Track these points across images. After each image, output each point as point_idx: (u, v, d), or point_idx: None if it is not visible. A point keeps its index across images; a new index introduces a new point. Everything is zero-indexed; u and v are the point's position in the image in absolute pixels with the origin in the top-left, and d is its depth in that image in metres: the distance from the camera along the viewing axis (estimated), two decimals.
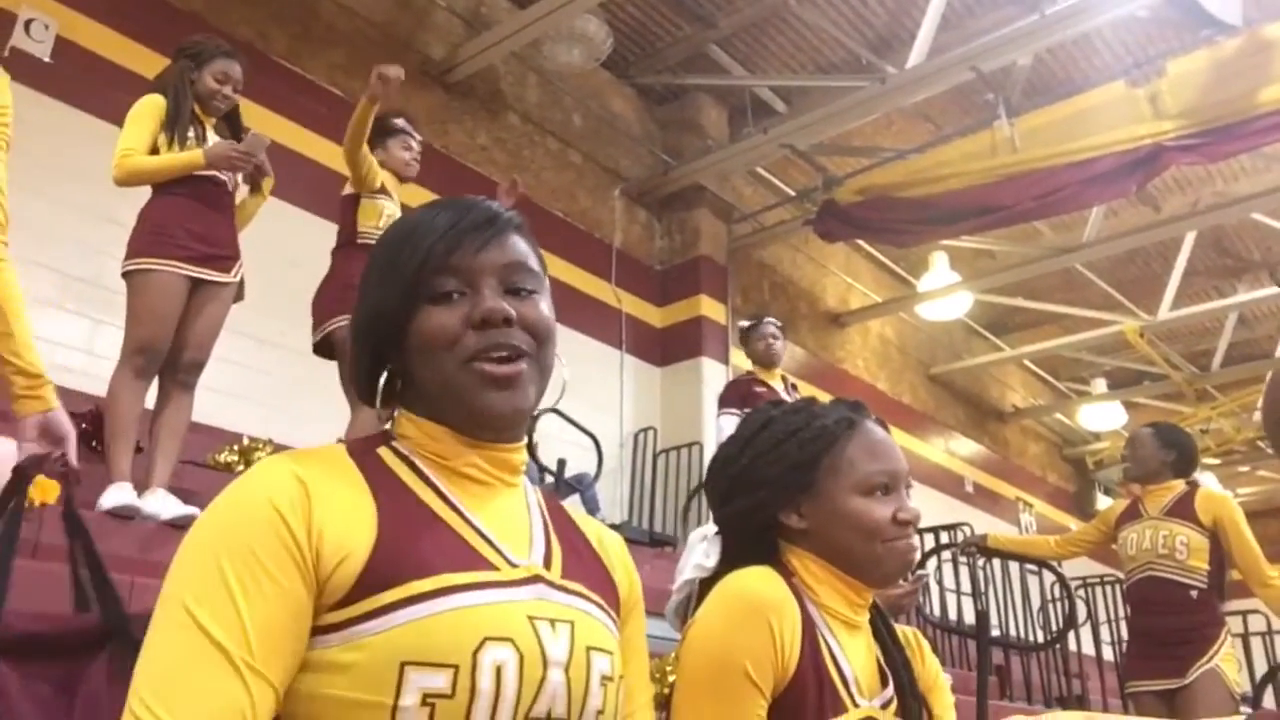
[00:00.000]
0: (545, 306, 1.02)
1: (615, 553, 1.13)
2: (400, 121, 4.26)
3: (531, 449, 6.47)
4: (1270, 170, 8.01)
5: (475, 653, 0.87)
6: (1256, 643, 7.31)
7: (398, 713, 0.84)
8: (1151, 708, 3.60)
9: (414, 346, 0.98)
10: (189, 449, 3.71)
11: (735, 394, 4.83)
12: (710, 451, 7.27)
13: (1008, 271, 9.18)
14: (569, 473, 6.39)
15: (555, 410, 5.73)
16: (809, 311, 9.43)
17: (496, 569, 0.94)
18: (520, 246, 1.03)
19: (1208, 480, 4.05)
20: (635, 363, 7.78)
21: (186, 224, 3.38)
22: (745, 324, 5.01)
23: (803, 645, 1.23)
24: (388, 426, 1.05)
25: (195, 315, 3.40)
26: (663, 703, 2.92)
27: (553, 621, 0.93)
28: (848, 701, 1.23)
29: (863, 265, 10.28)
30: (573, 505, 1.13)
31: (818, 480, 1.33)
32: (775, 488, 1.35)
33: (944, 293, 9.47)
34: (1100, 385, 12.20)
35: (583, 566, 1.04)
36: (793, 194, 8.62)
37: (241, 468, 4.21)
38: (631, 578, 1.14)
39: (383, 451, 1.00)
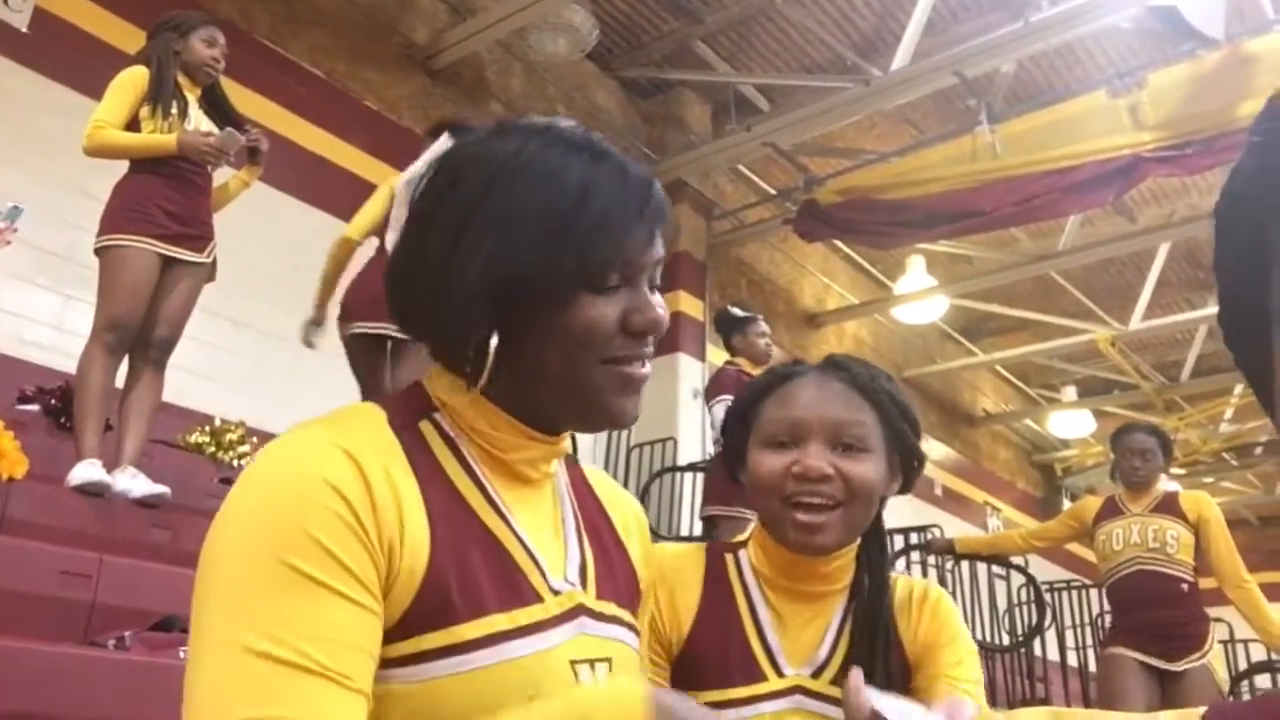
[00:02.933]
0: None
1: (637, 530, 1.05)
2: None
3: None
4: None
5: None
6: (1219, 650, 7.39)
7: None
8: (1135, 672, 3.63)
9: (556, 332, 0.84)
10: (159, 428, 3.68)
11: (729, 382, 4.71)
12: (685, 446, 7.29)
13: (983, 277, 9.24)
14: None
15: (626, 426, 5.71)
16: (785, 310, 9.45)
17: (541, 600, 0.84)
18: (666, 237, 0.92)
19: (1173, 486, 4.09)
20: None
21: (161, 201, 3.35)
22: (740, 313, 4.83)
23: (700, 614, 1.21)
24: (426, 388, 0.91)
25: (167, 293, 3.36)
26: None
27: (593, 663, 0.87)
28: (767, 669, 1.18)
29: (840, 266, 10.32)
30: (590, 469, 1.05)
31: (749, 438, 1.25)
32: (728, 447, 1.30)
33: (920, 296, 9.52)
34: (1070, 393, 12.31)
35: (612, 573, 0.96)
36: (773, 193, 8.63)
37: (212, 449, 4.17)
38: (649, 555, 1.06)
39: (425, 427, 0.87)
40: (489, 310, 0.83)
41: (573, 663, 0.84)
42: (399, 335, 3.46)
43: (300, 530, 0.72)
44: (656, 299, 0.89)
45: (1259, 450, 12.52)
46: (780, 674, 1.18)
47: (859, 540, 1.23)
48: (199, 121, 3.50)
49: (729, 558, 1.28)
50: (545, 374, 0.86)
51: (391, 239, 0.92)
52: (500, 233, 0.83)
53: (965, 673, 1.20)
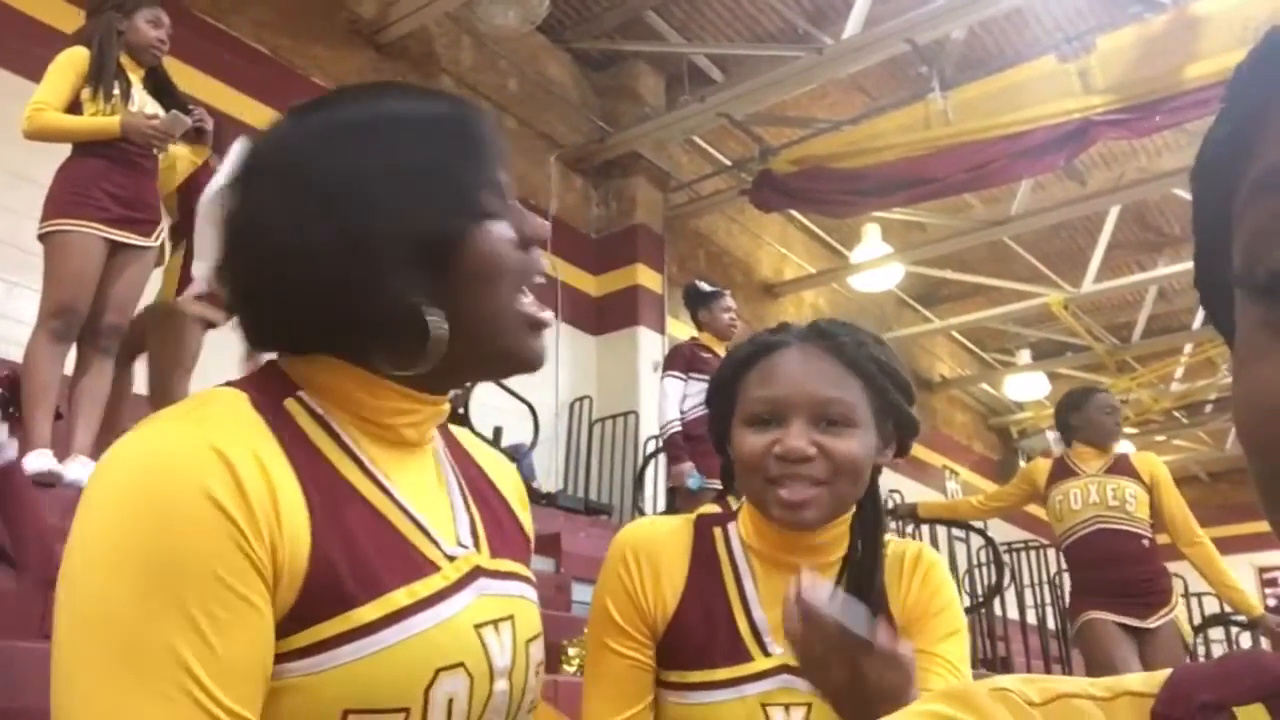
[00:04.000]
0: None
1: (512, 484, 1.02)
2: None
3: (466, 417, 6.44)
4: (1193, 146, 8.17)
5: (427, 690, 0.76)
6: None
7: None
8: (1116, 636, 3.65)
9: (467, 271, 0.81)
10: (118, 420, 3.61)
11: (680, 358, 4.77)
12: (646, 421, 7.30)
13: (938, 243, 9.31)
14: (505, 442, 6.36)
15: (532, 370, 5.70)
16: (744, 281, 9.47)
17: (438, 568, 0.81)
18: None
19: (1126, 447, 4.17)
20: (571, 331, 7.75)
21: (106, 185, 3.27)
22: (706, 288, 4.85)
23: (686, 592, 1.18)
24: (284, 369, 0.85)
25: (114, 278, 3.30)
26: None
27: (496, 624, 0.84)
28: (753, 649, 1.15)
29: (797, 236, 10.35)
30: (460, 431, 1.02)
31: (733, 414, 1.22)
32: (714, 420, 1.27)
33: (876, 264, 9.58)
34: (1025, 356, 12.48)
35: (501, 530, 0.93)
36: (729, 164, 8.62)
37: None
38: (527, 505, 1.03)
39: (291, 405, 0.81)
40: (415, 275, 0.79)
41: (477, 628, 0.82)
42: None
43: (190, 565, 0.67)
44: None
45: (1209, 408, 12.79)
46: (766, 653, 1.15)
47: (854, 509, 1.20)
48: (143, 103, 3.42)
49: (717, 531, 1.25)
50: (465, 321, 0.82)
51: (204, 265, 0.87)
52: (387, 195, 0.79)
53: (951, 649, 1.17)
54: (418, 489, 0.85)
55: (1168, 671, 0.42)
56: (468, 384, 0.92)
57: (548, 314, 0.87)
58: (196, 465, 0.69)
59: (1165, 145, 8.60)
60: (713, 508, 1.33)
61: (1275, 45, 0.37)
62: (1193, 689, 0.41)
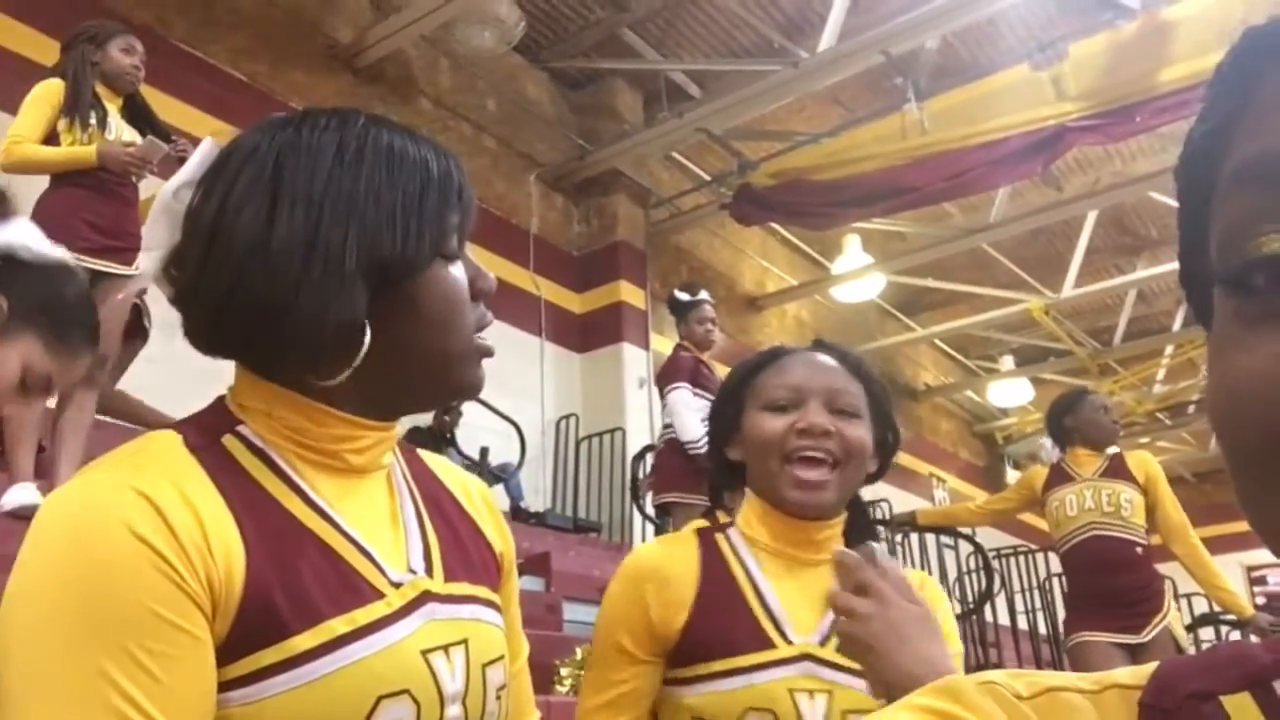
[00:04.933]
0: None
1: (485, 507, 1.01)
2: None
3: (453, 439, 6.43)
4: (1167, 150, 8.29)
5: (369, 717, 0.75)
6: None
7: None
8: (1109, 655, 3.62)
9: (421, 307, 0.83)
10: (97, 447, 3.58)
11: (684, 369, 4.59)
12: (633, 437, 7.29)
13: (918, 253, 9.37)
14: (492, 462, 6.35)
15: (476, 398, 5.68)
16: (726, 295, 9.49)
17: (383, 595, 0.80)
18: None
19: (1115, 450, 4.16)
20: (555, 349, 7.75)
21: (86, 215, 3.26)
22: (684, 297, 4.73)
23: (699, 598, 1.21)
24: (226, 402, 0.86)
25: (97, 308, 3.27)
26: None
27: (447, 649, 0.83)
28: (775, 637, 1.18)
29: (778, 249, 10.39)
30: (427, 454, 1.03)
31: (743, 411, 1.29)
32: (718, 423, 1.34)
33: (857, 275, 9.62)
34: (1008, 362, 12.54)
35: (462, 553, 0.93)
36: (708, 178, 8.66)
37: None
38: (504, 532, 1.02)
39: (229, 442, 0.81)
40: (365, 292, 0.80)
41: (425, 653, 0.81)
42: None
43: (124, 604, 0.67)
44: None
45: (1191, 409, 12.87)
46: (788, 641, 1.18)
47: (846, 515, 1.27)
48: (120, 131, 3.41)
49: (719, 537, 1.29)
50: (414, 354, 0.84)
51: (153, 256, 0.86)
52: (362, 212, 0.81)
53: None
54: (366, 516, 0.85)
55: (1155, 664, 0.43)
56: (416, 411, 0.91)
57: (489, 342, 0.90)
58: (120, 507, 0.70)
59: (1140, 149, 8.68)
60: (702, 523, 1.35)
61: (1251, 43, 0.38)
62: (1180, 680, 0.41)
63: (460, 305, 0.86)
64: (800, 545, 1.24)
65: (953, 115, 6.64)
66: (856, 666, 1.05)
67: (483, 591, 0.92)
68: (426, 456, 1.01)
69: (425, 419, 6.23)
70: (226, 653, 0.72)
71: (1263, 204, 0.35)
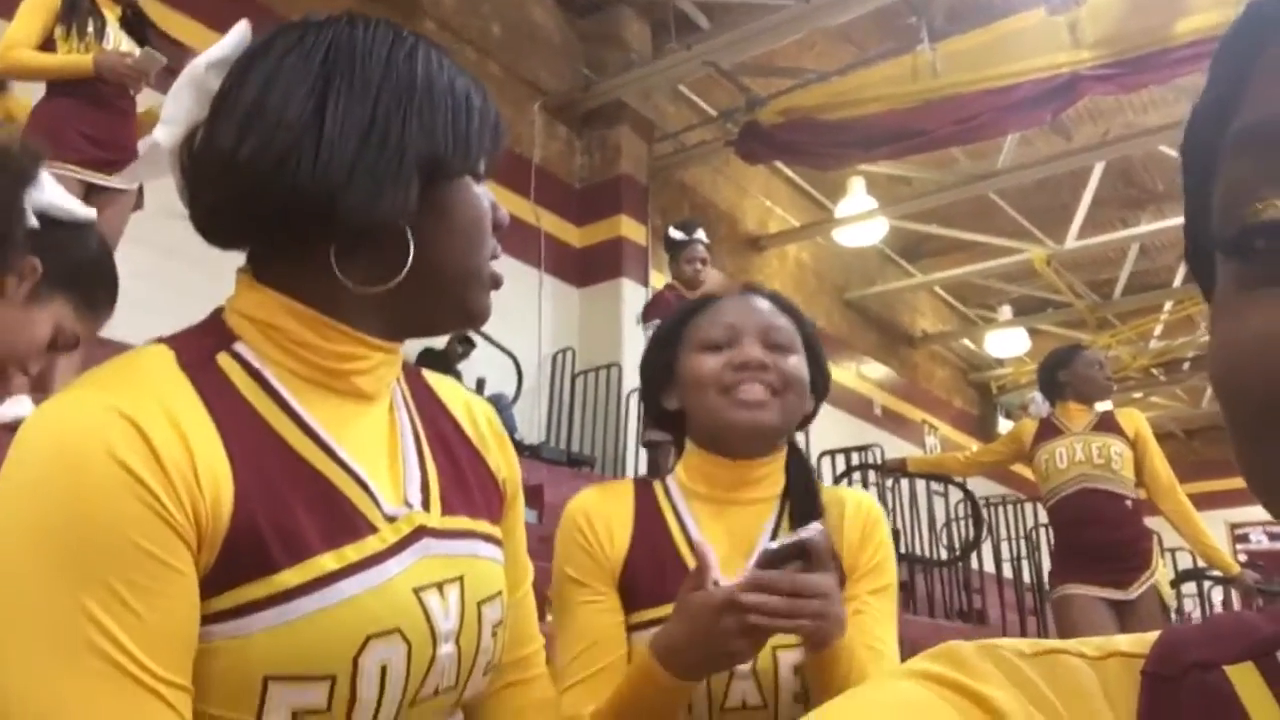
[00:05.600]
0: None
1: (489, 430, 0.99)
2: None
3: (459, 376, 6.44)
4: (1180, 103, 8.20)
5: (356, 658, 0.73)
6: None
7: None
8: (1094, 610, 3.67)
9: (453, 221, 0.82)
10: (91, 362, 3.58)
11: (663, 307, 4.68)
12: (629, 373, 7.31)
13: (923, 198, 9.31)
14: (487, 392, 6.37)
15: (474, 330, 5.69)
16: (728, 234, 9.45)
17: (376, 530, 0.78)
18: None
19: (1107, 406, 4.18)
20: (554, 283, 7.72)
21: (81, 126, 3.22)
22: (677, 235, 4.78)
23: (634, 538, 1.24)
24: (225, 317, 0.82)
25: None
26: None
27: (441, 586, 0.81)
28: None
29: (782, 189, 10.31)
30: (435, 376, 1.01)
31: (677, 357, 1.30)
32: (652, 373, 1.34)
33: (860, 218, 9.57)
34: (1006, 312, 12.54)
35: (462, 484, 0.91)
36: (715, 114, 8.56)
37: None
38: (509, 457, 1.00)
39: (223, 360, 0.78)
40: (418, 187, 0.78)
41: (416, 590, 0.79)
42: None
43: (106, 535, 0.65)
44: None
45: (1186, 365, 12.91)
46: (717, 585, 1.19)
47: (785, 451, 1.29)
48: (118, 41, 3.35)
49: (657, 485, 1.32)
50: (437, 269, 0.82)
51: (172, 131, 0.81)
52: (420, 106, 0.79)
53: (882, 604, 1.23)
54: (364, 444, 0.82)
55: (1156, 633, 0.43)
56: (418, 336, 0.89)
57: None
58: (104, 433, 0.67)
59: (1151, 101, 8.58)
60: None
61: (1255, 13, 0.39)
62: (1183, 649, 0.41)
63: (485, 225, 0.86)
64: (737, 486, 1.26)
65: (965, 58, 6.55)
66: None
67: (481, 526, 0.90)
68: (431, 378, 0.99)
69: (438, 344, 6.21)
70: (211, 585, 0.70)
71: (1263, 170, 0.36)
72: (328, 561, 0.74)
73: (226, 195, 0.78)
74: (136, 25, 3.47)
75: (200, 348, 0.78)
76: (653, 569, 1.21)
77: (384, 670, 0.75)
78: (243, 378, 0.78)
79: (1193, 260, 0.44)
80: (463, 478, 0.91)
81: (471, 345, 6.29)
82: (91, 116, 3.24)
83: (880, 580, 1.24)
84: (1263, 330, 0.35)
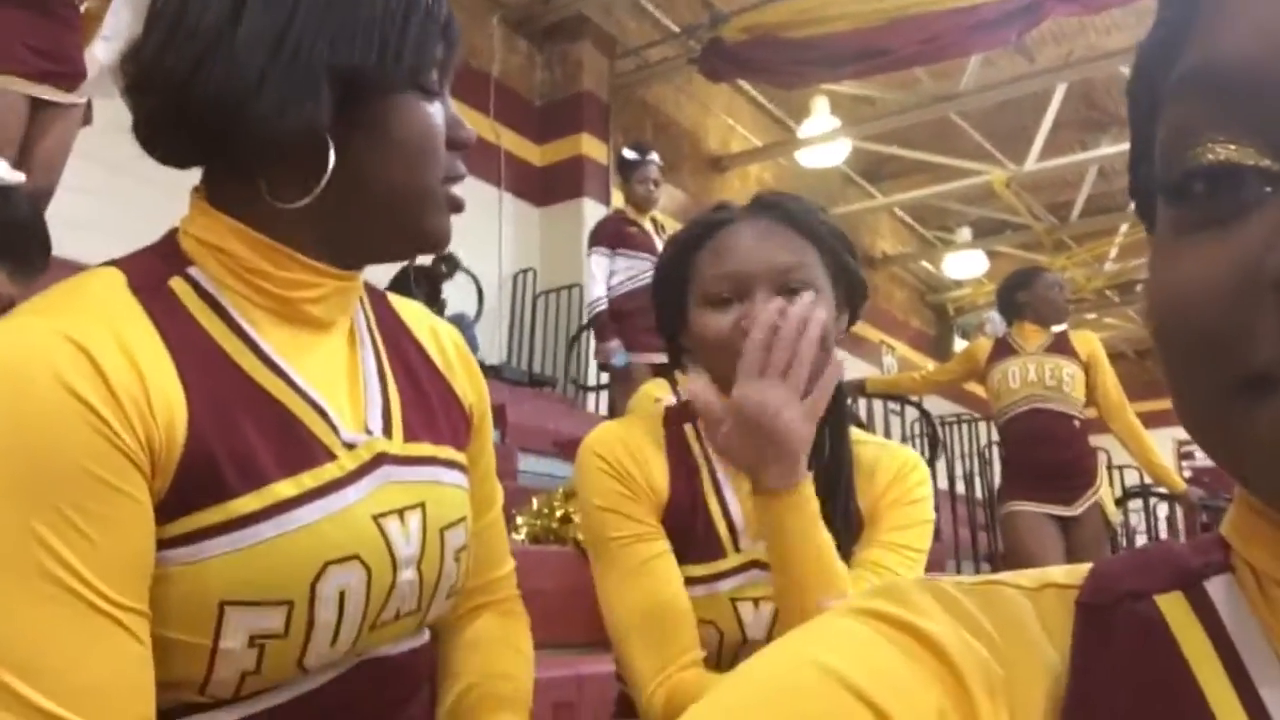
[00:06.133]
0: None
1: (456, 355, 0.98)
2: None
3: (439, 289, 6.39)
4: (1142, 25, 8.14)
5: (314, 583, 0.73)
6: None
7: (218, 654, 0.71)
8: (1041, 525, 3.78)
9: (394, 138, 0.79)
10: (39, 282, 3.52)
11: (604, 233, 4.70)
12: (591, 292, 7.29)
13: (886, 118, 9.25)
14: (448, 313, 6.33)
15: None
16: (690, 153, 9.35)
17: (334, 457, 0.78)
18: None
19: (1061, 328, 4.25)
20: (514, 202, 7.63)
21: (24, 37, 3.09)
22: (630, 155, 4.72)
23: (672, 491, 1.17)
24: (178, 240, 0.81)
25: (39, 138, 3.16)
26: (547, 535, 2.97)
27: (402, 513, 0.81)
28: (728, 545, 1.16)
29: (745, 109, 10.20)
30: (401, 301, 0.99)
31: (685, 297, 1.19)
32: (664, 313, 1.24)
33: (824, 139, 9.50)
34: (965, 234, 12.58)
35: (426, 409, 0.90)
36: (677, 30, 8.40)
37: None
38: (476, 382, 0.99)
39: (177, 284, 0.77)
40: (330, 99, 0.75)
41: (375, 517, 0.79)
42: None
43: (55, 461, 0.64)
44: None
45: (1139, 288, 13.08)
46: (738, 549, 1.16)
47: None
48: None
49: (689, 428, 1.23)
50: (380, 189, 0.80)
51: (111, 46, 0.80)
52: (339, 18, 0.76)
53: (916, 538, 1.16)
54: (323, 372, 0.82)
55: (1089, 565, 0.45)
56: (372, 261, 0.86)
57: (460, 197, 0.86)
58: (51, 359, 0.66)
59: (1114, 24, 8.54)
60: (660, 384, 1.34)
61: None
62: (1115, 579, 0.43)
63: (433, 143, 0.82)
64: None
65: None
66: None
67: (445, 452, 0.89)
68: (397, 302, 0.97)
69: (423, 262, 6.09)
70: (165, 511, 0.70)
71: (1203, 113, 0.36)
72: (285, 488, 0.74)
73: (156, 108, 0.77)
74: None
75: (153, 271, 0.77)
76: (685, 527, 1.16)
77: (342, 595, 0.75)
78: (196, 303, 0.77)
79: (1136, 197, 0.44)
80: (427, 403, 0.90)
81: (456, 264, 6.21)
82: (35, 27, 3.12)
83: (919, 515, 1.18)
84: (1197, 274, 0.36)
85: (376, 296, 0.95)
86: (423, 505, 0.83)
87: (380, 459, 0.81)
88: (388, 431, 0.84)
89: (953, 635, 0.39)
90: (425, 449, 0.87)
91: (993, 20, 6.22)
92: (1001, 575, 0.45)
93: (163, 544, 0.70)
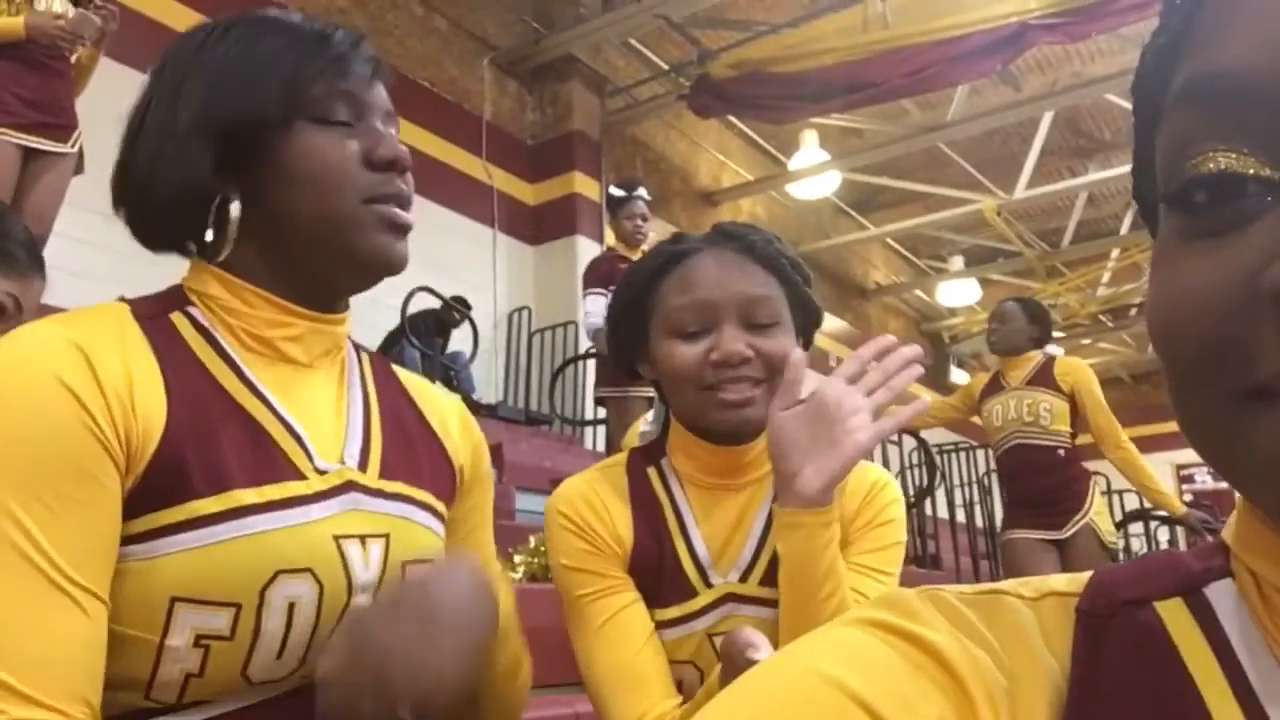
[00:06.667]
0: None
1: (455, 423, 1.00)
2: None
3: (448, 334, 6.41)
4: (1125, 52, 8.26)
5: (264, 590, 0.75)
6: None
7: (164, 651, 0.73)
8: (1035, 551, 3.86)
9: (292, 173, 0.82)
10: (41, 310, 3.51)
11: (597, 273, 4.67)
12: (586, 331, 7.29)
13: (875, 150, 9.32)
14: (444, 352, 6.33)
15: (428, 289, 5.63)
16: (682, 189, 9.41)
17: (303, 477, 0.80)
18: (386, 84, 0.91)
19: (1055, 351, 4.27)
20: (508, 241, 7.66)
21: (17, 89, 3.12)
22: (617, 192, 4.73)
23: (637, 538, 1.16)
24: (182, 285, 0.87)
25: (32, 187, 3.17)
26: (545, 574, 2.95)
27: (364, 539, 0.82)
28: (698, 584, 1.14)
29: (735, 144, 10.28)
30: (407, 373, 1.02)
31: (648, 327, 1.17)
32: (621, 339, 1.23)
33: (814, 171, 9.57)
34: (958, 262, 12.64)
35: (410, 455, 0.91)
36: (666, 68, 8.48)
37: None
38: (475, 448, 1.01)
39: (176, 318, 0.83)
40: (210, 156, 0.81)
41: (338, 538, 0.80)
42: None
43: (37, 444, 0.69)
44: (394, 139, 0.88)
45: (1133, 312, 13.13)
46: (709, 585, 1.14)
47: None
48: (50, 1, 3.25)
49: (651, 471, 1.22)
50: (299, 223, 0.83)
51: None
52: (210, 80, 0.83)
53: (887, 560, 1.16)
54: (307, 405, 0.85)
55: (1090, 573, 0.44)
56: (334, 295, 0.89)
57: (405, 216, 0.87)
58: (51, 355, 0.73)
59: (1099, 51, 8.64)
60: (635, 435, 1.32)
61: None
62: (1114, 587, 0.43)
63: (335, 169, 0.83)
64: (727, 472, 1.17)
65: (915, 9, 6.55)
66: (775, 597, 1.05)
67: (421, 494, 0.90)
68: (405, 377, 1.00)
69: (432, 304, 6.10)
70: (130, 507, 0.73)
71: (1203, 123, 0.36)
72: (246, 495, 0.76)
73: (120, 202, 0.87)
74: None
75: (156, 306, 0.84)
76: (653, 571, 1.15)
77: (291, 606, 0.77)
78: (192, 334, 0.83)
79: (1140, 205, 0.44)
80: (411, 450, 0.92)
81: (468, 309, 6.22)
82: (27, 79, 3.15)
83: (889, 537, 1.17)
84: (1197, 284, 0.36)
85: (380, 361, 0.98)
86: (387, 536, 0.85)
87: (349, 485, 0.84)
88: (363, 466, 0.86)
89: (955, 644, 0.39)
90: (399, 487, 0.88)
91: (977, 51, 6.29)
92: (1003, 584, 0.44)
93: (125, 540, 0.73)
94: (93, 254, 4.87)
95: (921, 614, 0.41)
